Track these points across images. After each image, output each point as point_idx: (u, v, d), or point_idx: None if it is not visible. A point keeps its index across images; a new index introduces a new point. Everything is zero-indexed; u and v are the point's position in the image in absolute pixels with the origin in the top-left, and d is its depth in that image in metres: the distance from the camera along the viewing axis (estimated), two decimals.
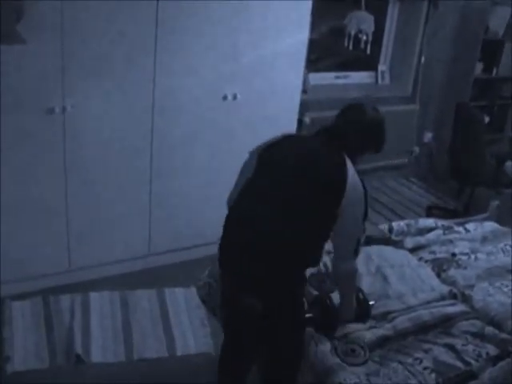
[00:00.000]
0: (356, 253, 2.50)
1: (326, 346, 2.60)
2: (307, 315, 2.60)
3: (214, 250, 4.29)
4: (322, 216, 2.38)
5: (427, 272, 3.22)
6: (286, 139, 2.68)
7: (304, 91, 4.90)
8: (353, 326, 2.73)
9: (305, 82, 4.89)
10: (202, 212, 4.19)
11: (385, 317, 2.84)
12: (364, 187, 2.49)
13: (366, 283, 3.04)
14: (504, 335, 2.77)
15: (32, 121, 3.38)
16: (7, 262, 3.52)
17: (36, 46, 3.20)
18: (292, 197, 2.38)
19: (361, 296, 2.72)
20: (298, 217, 2.35)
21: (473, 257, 3.42)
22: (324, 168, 2.44)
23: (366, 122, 2.71)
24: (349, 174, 2.43)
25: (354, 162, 2.56)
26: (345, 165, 2.45)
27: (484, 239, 3.65)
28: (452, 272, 3.25)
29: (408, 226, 3.67)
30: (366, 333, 2.71)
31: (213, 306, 3.11)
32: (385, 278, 3.09)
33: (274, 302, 2.39)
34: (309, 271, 3.05)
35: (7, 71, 3.16)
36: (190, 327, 3.68)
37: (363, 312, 2.71)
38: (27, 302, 3.69)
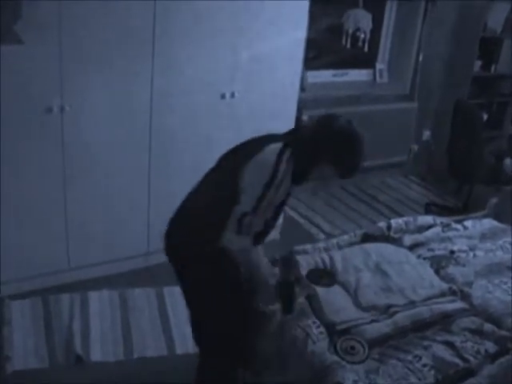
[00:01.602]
0: (239, 231, 2.43)
1: (323, 344, 2.60)
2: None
3: None
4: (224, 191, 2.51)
5: (426, 269, 3.22)
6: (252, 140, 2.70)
7: (302, 89, 4.90)
8: (354, 319, 2.75)
9: (303, 80, 4.89)
10: None
11: (387, 310, 2.85)
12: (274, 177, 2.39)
13: (366, 278, 3.05)
14: (503, 332, 2.77)
15: (30, 120, 3.38)
16: (6, 261, 3.52)
17: (34, 46, 3.20)
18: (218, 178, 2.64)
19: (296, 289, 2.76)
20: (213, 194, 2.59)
21: (471, 254, 3.42)
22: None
23: (327, 132, 2.54)
24: (262, 158, 2.44)
25: (305, 173, 2.54)
26: (271, 154, 2.44)
27: (483, 236, 3.66)
28: (451, 269, 3.25)
29: (407, 223, 3.67)
30: (367, 327, 2.72)
31: None
32: (385, 274, 3.10)
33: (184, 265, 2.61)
34: (308, 267, 3.08)
35: (5, 71, 3.15)
36: (189, 326, 3.68)
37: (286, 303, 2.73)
38: (27, 301, 3.69)
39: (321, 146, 2.49)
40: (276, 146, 2.45)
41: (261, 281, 2.61)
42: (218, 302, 2.55)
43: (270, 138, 2.60)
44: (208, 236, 2.44)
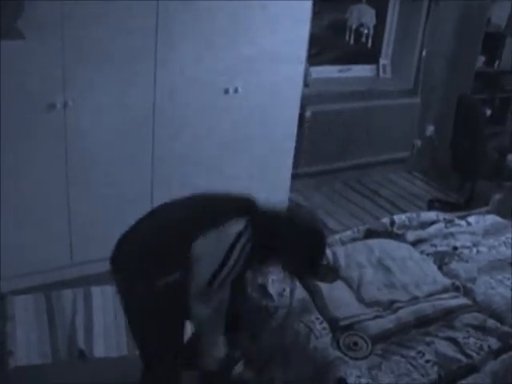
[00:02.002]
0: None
1: (326, 340, 2.60)
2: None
3: None
4: None
5: (429, 265, 3.22)
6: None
7: (305, 85, 4.90)
8: (357, 315, 2.75)
9: (306, 75, 4.88)
10: None
11: (390, 306, 2.85)
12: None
13: (369, 273, 3.05)
14: (506, 328, 2.77)
15: (33, 116, 3.38)
16: (9, 257, 3.53)
17: (36, 42, 3.20)
18: None
19: None
20: None
21: (474, 250, 3.42)
22: None
23: (290, 229, 2.45)
24: (220, 235, 2.38)
25: (260, 260, 2.52)
26: (230, 233, 2.37)
27: (486, 232, 3.65)
28: (454, 265, 3.25)
29: (410, 219, 3.67)
30: (370, 323, 2.72)
31: None
32: (388, 269, 3.10)
33: None
34: None
35: (7, 67, 3.15)
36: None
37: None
38: (29, 296, 3.69)
39: (281, 241, 2.41)
40: (236, 226, 2.36)
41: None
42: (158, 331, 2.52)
43: (226, 208, 2.50)
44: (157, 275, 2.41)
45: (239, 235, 2.33)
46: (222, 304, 2.49)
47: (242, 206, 2.49)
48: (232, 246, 2.32)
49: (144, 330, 2.55)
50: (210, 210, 2.52)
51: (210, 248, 2.34)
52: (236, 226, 2.35)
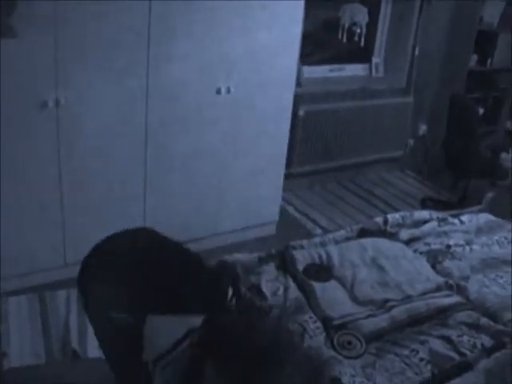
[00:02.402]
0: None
1: (320, 339, 2.60)
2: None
3: (210, 243, 4.32)
4: None
5: (423, 264, 3.22)
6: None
7: (298, 84, 4.90)
8: (351, 314, 2.75)
9: (299, 75, 4.89)
10: (198, 205, 4.19)
11: (383, 304, 2.85)
12: None
13: (363, 272, 3.05)
14: (499, 326, 2.77)
15: (25, 114, 3.37)
16: (3, 258, 3.52)
17: (29, 39, 3.19)
18: None
19: None
20: None
21: (468, 248, 3.42)
22: None
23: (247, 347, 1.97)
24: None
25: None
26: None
27: (479, 231, 3.65)
28: (447, 263, 3.25)
29: (403, 218, 3.67)
30: (364, 321, 2.72)
31: None
32: (381, 268, 3.10)
33: None
34: (304, 263, 3.08)
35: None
36: None
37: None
38: (23, 297, 3.68)
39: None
40: (192, 321, 2.14)
41: None
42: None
43: (191, 300, 2.29)
44: None
45: (188, 333, 2.13)
46: None
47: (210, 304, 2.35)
48: (178, 342, 2.13)
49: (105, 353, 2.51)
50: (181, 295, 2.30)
51: (161, 332, 2.20)
52: (193, 320, 2.14)
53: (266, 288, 2.89)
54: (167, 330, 2.22)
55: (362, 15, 5.41)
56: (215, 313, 2.27)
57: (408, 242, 3.43)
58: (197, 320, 2.10)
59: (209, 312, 2.18)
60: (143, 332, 2.24)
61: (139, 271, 2.31)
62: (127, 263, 2.38)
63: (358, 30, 5.43)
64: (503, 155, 5.29)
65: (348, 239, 3.42)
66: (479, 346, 2.63)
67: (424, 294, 2.96)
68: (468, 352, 2.58)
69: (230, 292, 2.52)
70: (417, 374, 2.45)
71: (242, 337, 1.95)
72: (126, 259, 2.41)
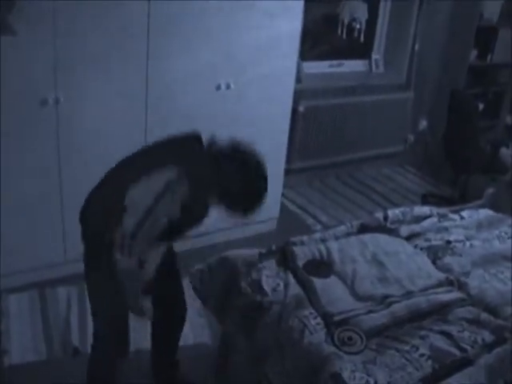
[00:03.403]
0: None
1: (320, 335, 2.60)
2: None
3: (209, 240, 4.32)
4: None
5: (423, 259, 3.22)
6: None
7: (298, 80, 4.90)
8: (351, 310, 2.75)
9: (298, 70, 4.88)
10: None
11: (384, 300, 2.85)
12: None
13: (363, 268, 3.05)
14: (500, 321, 2.77)
15: (25, 112, 3.38)
16: (3, 255, 3.52)
17: (28, 37, 3.19)
18: None
19: None
20: None
21: (468, 244, 3.42)
22: None
23: (228, 167, 2.36)
24: (150, 182, 2.32)
25: (199, 206, 2.36)
26: (160, 180, 2.30)
27: (479, 226, 3.65)
28: (447, 259, 3.25)
29: (403, 213, 3.67)
30: (364, 317, 2.72)
31: (204, 294, 3.12)
32: (381, 264, 3.09)
33: None
34: (305, 258, 3.08)
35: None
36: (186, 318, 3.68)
37: None
38: (24, 294, 3.69)
39: (220, 182, 2.34)
40: (168, 173, 2.27)
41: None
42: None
43: (163, 156, 2.44)
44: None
45: (168, 185, 2.23)
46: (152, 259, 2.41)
47: (180, 152, 2.41)
48: (159, 197, 2.22)
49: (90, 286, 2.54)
50: (145, 156, 2.48)
51: (139, 198, 2.25)
52: (168, 175, 2.26)
53: (267, 284, 2.90)
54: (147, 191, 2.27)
55: (361, 11, 5.40)
56: (192, 159, 2.39)
57: (408, 238, 3.43)
58: (169, 173, 2.26)
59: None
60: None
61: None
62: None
63: (358, 26, 5.42)
64: (503, 150, 5.28)
65: (348, 235, 3.42)
66: (480, 341, 2.63)
67: (424, 289, 2.96)
68: (469, 347, 2.58)
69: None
70: (417, 369, 2.46)
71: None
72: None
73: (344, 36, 5.44)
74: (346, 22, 5.39)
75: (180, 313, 3.02)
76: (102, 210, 2.43)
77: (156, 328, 3.03)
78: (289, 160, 4.95)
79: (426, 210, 3.80)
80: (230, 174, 2.35)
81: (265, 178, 2.48)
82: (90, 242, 2.47)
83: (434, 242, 3.40)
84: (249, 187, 2.40)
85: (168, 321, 2.99)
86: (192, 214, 2.38)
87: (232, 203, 2.44)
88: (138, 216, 2.23)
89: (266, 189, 2.48)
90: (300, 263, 3.05)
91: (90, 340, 3.35)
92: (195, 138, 2.49)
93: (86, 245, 2.49)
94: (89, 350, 3.29)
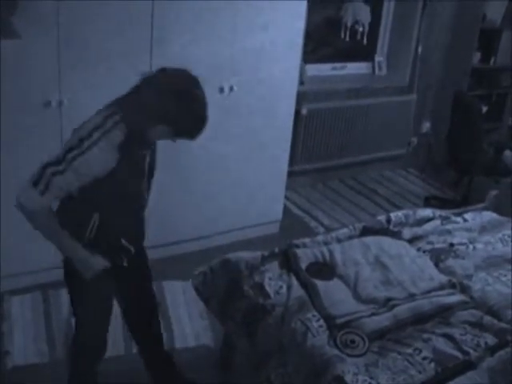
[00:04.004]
0: (35, 185, 2.36)
1: (323, 337, 2.60)
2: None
3: (212, 242, 4.32)
4: None
5: (426, 262, 3.22)
6: None
7: (301, 82, 4.90)
8: (354, 312, 2.75)
9: (302, 73, 4.88)
10: (200, 205, 4.19)
11: (386, 303, 2.85)
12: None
13: (365, 271, 3.05)
14: (502, 325, 2.77)
15: (29, 114, 3.38)
16: (6, 256, 3.52)
17: (32, 40, 3.20)
18: None
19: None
20: None
21: (471, 247, 3.41)
22: None
23: (156, 91, 2.40)
24: (89, 120, 2.42)
25: (141, 136, 2.42)
26: (98, 116, 2.41)
27: (482, 229, 3.65)
28: (450, 262, 3.25)
29: (406, 216, 3.67)
30: (367, 320, 2.72)
31: (207, 296, 3.12)
32: (384, 267, 3.09)
33: None
34: (307, 261, 3.08)
35: (3, 65, 3.15)
36: (188, 320, 3.69)
37: None
38: (26, 296, 3.69)
39: (152, 107, 2.35)
40: (107, 111, 2.39)
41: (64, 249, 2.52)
42: None
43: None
44: None
45: (106, 117, 2.36)
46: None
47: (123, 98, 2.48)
48: (94, 127, 2.32)
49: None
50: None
51: (73, 135, 2.40)
52: (105, 112, 2.41)
53: (269, 286, 2.90)
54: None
55: (364, 13, 5.40)
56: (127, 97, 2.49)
57: (411, 241, 3.42)
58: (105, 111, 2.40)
59: None
60: None
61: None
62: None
63: (361, 29, 5.42)
64: (506, 153, 5.27)
65: (351, 238, 3.42)
66: (483, 344, 2.63)
67: (427, 292, 2.96)
68: (471, 350, 2.58)
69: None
70: (420, 372, 2.46)
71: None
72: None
73: (347, 38, 5.44)
74: (349, 24, 5.39)
75: (148, 304, 3.00)
76: None
77: (130, 323, 3.02)
78: (292, 162, 4.95)
79: (428, 212, 3.79)
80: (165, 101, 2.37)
81: (194, 97, 2.50)
82: None
83: (436, 245, 3.40)
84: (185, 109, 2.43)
85: (139, 312, 2.96)
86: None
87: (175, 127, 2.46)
88: (68, 145, 2.34)
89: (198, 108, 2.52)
90: (303, 266, 3.05)
91: None
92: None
93: None
94: None
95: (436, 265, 3.23)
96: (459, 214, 3.83)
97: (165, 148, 3.91)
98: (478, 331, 2.71)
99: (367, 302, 2.86)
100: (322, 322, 2.70)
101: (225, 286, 3.03)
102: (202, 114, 2.48)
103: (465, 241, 3.45)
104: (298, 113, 4.84)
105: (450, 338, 2.65)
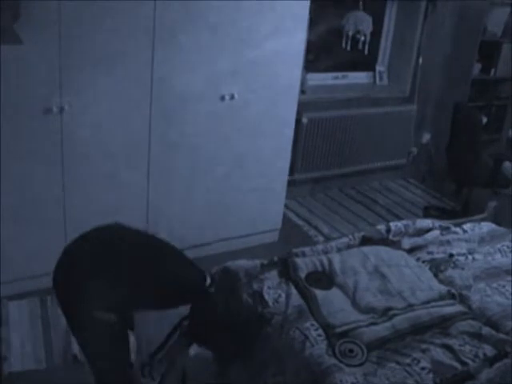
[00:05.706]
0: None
1: (322, 347, 2.60)
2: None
3: (211, 250, 4.31)
4: None
5: (425, 272, 3.22)
6: None
7: (302, 92, 4.91)
8: (353, 322, 2.74)
9: (303, 82, 4.89)
10: (201, 212, 4.19)
11: (385, 313, 2.85)
12: None
13: (365, 280, 3.05)
14: (501, 336, 2.77)
15: (30, 120, 3.38)
16: (4, 262, 3.52)
17: (33, 46, 3.20)
18: None
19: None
20: None
21: (470, 257, 3.42)
22: None
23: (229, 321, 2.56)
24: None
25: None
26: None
27: (481, 240, 3.65)
28: (449, 272, 3.25)
29: (406, 226, 3.67)
30: (366, 330, 2.72)
31: None
32: (383, 276, 3.09)
33: None
34: (306, 270, 3.08)
35: (4, 71, 3.15)
36: None
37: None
38: (24, 302, 3.68)
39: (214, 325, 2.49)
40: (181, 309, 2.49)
41: None
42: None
43: (176, 292, 2.50)
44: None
45: (182, 319, 2.48)
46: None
47: (191, 289, 2.52)
48: (175, 328, 2.48)
49: (86, 353, 2.51)
50: (162, 286, 2.43)
51: (151, 323, 2.52)
52: (181, 309, 2.47)
53: (268, 295, 2.90)
54: (158, 324, 2.39)
55: (366, 23, 5.42)
56: (198, 300, 2.48)
57: (410, 251, 3.43)
58: (184, 310, 2.44)
59: (189, 298, 2.47)
60: (131, 330, 2.32)
61: (115, 267, 2.41)
62: (103, 259, 2.47)
63: (362, 38, 5.43)
64: (506, 164, 5.28)
65: (350, 247, 3.42)
66: (481, 355, 2.63)
67: (426, 302, 2.95)
68: (470, 361, 2.58)
69: (209, 280, 2.58)
70: (418, 382, 2.45)
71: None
72: (100, 257, 2.49)
73: (348, 48, 5.45)
74: (350, 34, 5.40)
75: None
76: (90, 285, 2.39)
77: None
78: (292, 171, 4.95)
79: (428, 222, 3.80)
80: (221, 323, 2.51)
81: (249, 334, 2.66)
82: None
83: (436, 255, 3.40)
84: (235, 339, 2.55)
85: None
86: None
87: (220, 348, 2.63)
88: (154, 341, 2.48)
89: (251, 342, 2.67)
90: (302, 275, 3.05)
91: None
92: (201, 281, 2.56)
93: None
94: None
95: (435, 275, 3.23)
96: (459, 225, 3.84)
97: (166, 156, 3.92)
98: (476, 342, 2.71)
99: (366, 311, 2.86)
100: (320, 331, 2.70)
101: (223, 294, 3.03)
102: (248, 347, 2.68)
103: (464, 251, 3.45)
104: (298, 122, 4.85)
105: (448, 348, 2.64)
